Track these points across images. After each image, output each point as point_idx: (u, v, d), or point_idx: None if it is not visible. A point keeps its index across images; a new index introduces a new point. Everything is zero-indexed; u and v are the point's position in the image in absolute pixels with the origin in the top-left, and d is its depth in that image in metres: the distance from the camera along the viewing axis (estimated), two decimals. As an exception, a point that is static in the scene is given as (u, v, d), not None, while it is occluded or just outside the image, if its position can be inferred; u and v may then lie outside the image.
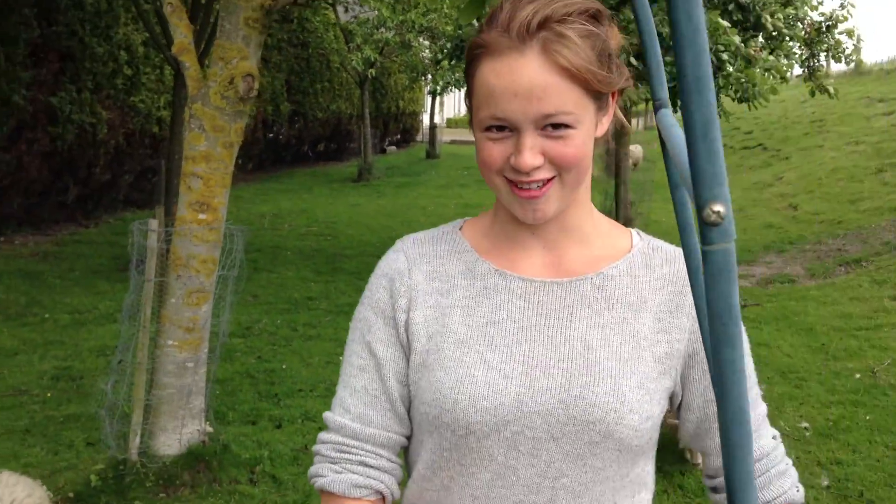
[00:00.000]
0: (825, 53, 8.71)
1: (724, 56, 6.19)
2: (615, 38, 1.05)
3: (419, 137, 30.05)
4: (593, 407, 1.01)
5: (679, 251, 1.11)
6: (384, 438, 1.11)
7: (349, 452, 1.10)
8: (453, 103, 52.52)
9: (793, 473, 1.12)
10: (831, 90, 8.51)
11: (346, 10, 16.65)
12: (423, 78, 19.80)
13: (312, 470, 1.13)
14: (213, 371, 4.13)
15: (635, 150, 18.20)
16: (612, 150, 9.05)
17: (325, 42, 19.49)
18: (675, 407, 1.12)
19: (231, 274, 4.00)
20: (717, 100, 7.36)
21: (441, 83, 18.29)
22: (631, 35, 6.45)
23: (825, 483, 3.85)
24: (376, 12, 14.72)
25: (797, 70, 9.76)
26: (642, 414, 1.01)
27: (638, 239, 1.13)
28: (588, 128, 1.01)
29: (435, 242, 1.15)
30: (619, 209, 8.71)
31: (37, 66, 10.03)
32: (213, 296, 3.95)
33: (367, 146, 18.10)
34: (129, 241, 3.95)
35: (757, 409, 1.11)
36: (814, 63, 8.78)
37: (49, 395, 5.13)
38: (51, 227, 11.25)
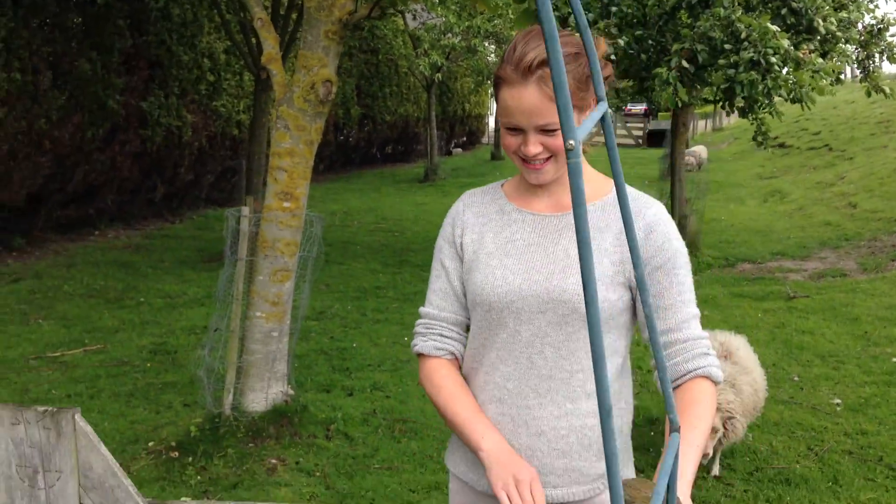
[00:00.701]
0: (880, 55, 8.86)
1: (773, 59, 6.48)
2: (607, 69, 1.61)
3: (484, 139, 30.53)
4: (564, 292, 1.57)
5: (639, 197, 1.65)
6: (453, 319, 1.72)
7: (431, 328, 1.72)
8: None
9: (714, 361, 1.59)
10: (887, 90, 8.67)
11: (414, 18, 17.25)
12: (488, 81, 20.26)
13: (412, 344, 1.74)
14: (293, 344, 4.69)
15: (700, 151, 18.33)
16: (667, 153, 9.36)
17: (394, 48, 20.15)
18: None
19: (310, 255, 4.54)
20: (770, 100, 7.64)
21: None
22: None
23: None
24: (443, 19, 15.26)
25: (857, 72, 9.91)
26: (598, 297, 1.49)
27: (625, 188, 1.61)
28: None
29: (483, 194, 1.77)
30: (674, 205, 9.03)
31: (129, 73, 10.86)
32: (294, 274, 4.50)
33: (433, 148, 18.66)
34: (223, 227, 4.54)
35: (687, 308, 1.57)
36: (870, 64, 8.95)
37: (148, 365, 5.78)
38: (140, 223, 12.12)
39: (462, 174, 19.92)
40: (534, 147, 1.54)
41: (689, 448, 1.47)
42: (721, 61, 7.19)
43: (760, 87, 6.50)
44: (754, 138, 8.98)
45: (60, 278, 8.42)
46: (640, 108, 33.22)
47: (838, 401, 4.84)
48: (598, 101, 1.17)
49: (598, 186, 1.68)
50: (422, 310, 1.75)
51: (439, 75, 17.24)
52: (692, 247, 9.11)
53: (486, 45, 17.46)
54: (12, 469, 1.54)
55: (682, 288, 1.61)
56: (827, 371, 5.39)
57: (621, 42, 7.87)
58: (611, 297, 1.57)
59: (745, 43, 6.56)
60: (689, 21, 7.17)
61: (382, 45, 19.54)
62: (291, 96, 4.37)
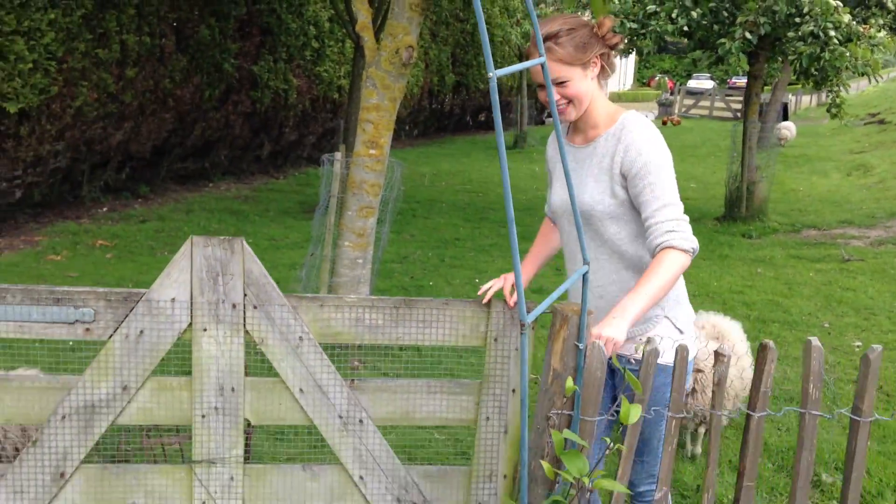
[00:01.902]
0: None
1: (832, 33, 6.85)
2: (614, 38, 2.27)
3: (579, 110, 30.70)
4: (581, 202, 2.26)
5: (627, 124, 2.26)
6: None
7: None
8: (618, 77, 52.34)
9: (677, 235, 2.15)
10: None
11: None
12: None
13: None
14: (375, 271, 5.50)
15: (788, 129, 18.27)
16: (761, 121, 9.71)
17: (491, 17, 20.73)
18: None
19: (391, 195, 5.35)
20: (838, 73, 7.96)
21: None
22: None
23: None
24: (536, -11, 15.76)
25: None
26: (599, 202, 2.25)
27: (622, 118, 2.30)
28: (579, 78, 2.24)
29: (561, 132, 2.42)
30: (743, 173, 9.43)
31: (242, 39, 11.91)
32: (377, 211, 5.32)
33: (523, 116, 19.22)
34: (319, 170, 5.39)
35: (660, 201, 2.18)
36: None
37: (254, 291, 6.73)
38: (248, 177, 13.26)
39: (551, 142, 20.40)
40: (542, 96, 2.18)
41: (633, 292, 2.09)
42: (790, 34, 7.58)
43: (820, 61, 6.87)
44: (828, 110, 9.26)
45: (180, 221, 9.55)
46: (744, 80, 32.76)
47: (858, 343, 5.34)
48: (541, 55, 1.88)
49: (610, 121, 2.29)
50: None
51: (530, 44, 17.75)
52: (759, 212, 9.51)
53: (580, 14, 17.82)
54: (203, 273, 2.41)
55: (654, 187, 2.19)
56: (857, 321, 5.87)
57: (695, 14, 8.32)
58: (607, 200, 2.27)
59: (807, 17, 6.94)
60: (757, -5, 7.58)
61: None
62: (379, 59, 5.16)
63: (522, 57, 18.84)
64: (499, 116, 1.61)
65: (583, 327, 1.94)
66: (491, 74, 1.55)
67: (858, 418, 1.86)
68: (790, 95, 28.43)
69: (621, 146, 2.22)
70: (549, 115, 21.78)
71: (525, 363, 1.58)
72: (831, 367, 4.93)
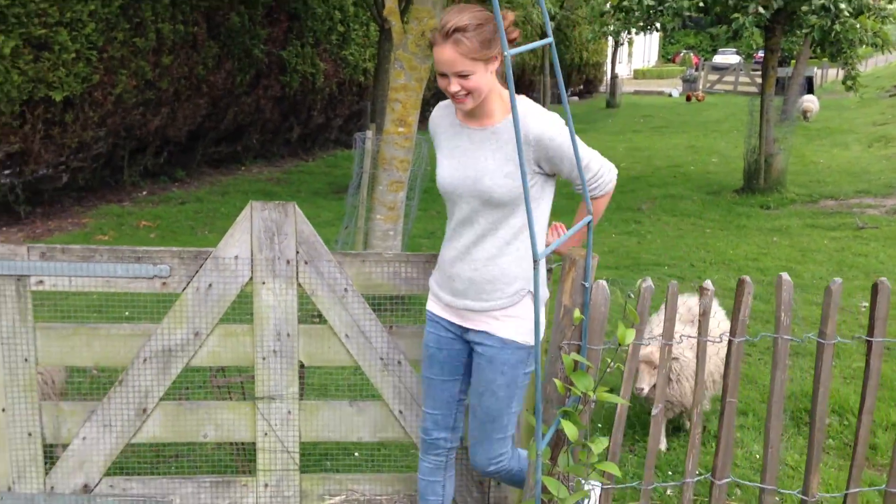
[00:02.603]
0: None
1: (842, 5, 7.07)
2: (514, 33, 2.29)
3: (602, 88, 30.85)
4: (481, 184, 2.35)
5: (528, 113, 2.31)
6: None
7: None
8: (642, 53, 52.09)
9: (610, 184, 2.50)
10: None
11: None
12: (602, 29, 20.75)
13: None
14: (405, 242, 5.86)
15: (811, 103, 18.32)
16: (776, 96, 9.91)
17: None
18: (552, 174, 2.44)
19: (419, 171, 5.70)
20: (852, 45, 8.17)
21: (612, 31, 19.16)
22: None
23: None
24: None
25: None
26: (501, 185, 2.36)
27: (522, 107, 2.38)
28: (481, 72, 2.31)
29: (447, 107, 2.49)
30: (761, 145, 9.66)
31: (271, 25, 12.27)
32: (406, 185, 5.67)
33: (546, 96, 19.45)
34: (353, 150, 5.75)
35: (588, 157, 2.46)
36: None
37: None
38: (279, 160, 13.68)
39: (574, 120, 20.55)
40: (453, 87, 2.25)
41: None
42: (804, 7, 7.80)
43: (832, 33, 7.10)
44: (843, 82, 9.45)
45: (217, 202, 9.98)
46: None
47: (865, 304, 5.63)
48: (504, 53, 2.15)
49: (507, 108, 2.36)
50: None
51: (552, 23, 17.93)
52: (777, 184, 9.75)
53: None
54: (261, 233, 2.79)
55: (574, 158, 2.31)
56: (866, 283, 6.14)
57: (711, -10, 8.55)
58: (510, 185, 2.34)
59: (818, -9, 7.17)
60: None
61: (500, -5, 20.36)
62: (406, 42, 5.49)
63: (543, 36, 19.04)
64: (514, 92, 1.94)
65: (588, 269, 2.29)
66: (506, 53, 1.87)
67: (823, 341, 2.20)
68: (816, 69, 28.31)
69: (531, 138, 2.31)
70: (574, 94, 21.88)
71: (538, 293, 1.93)
72: (843, 326, 5.23)
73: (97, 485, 2.96)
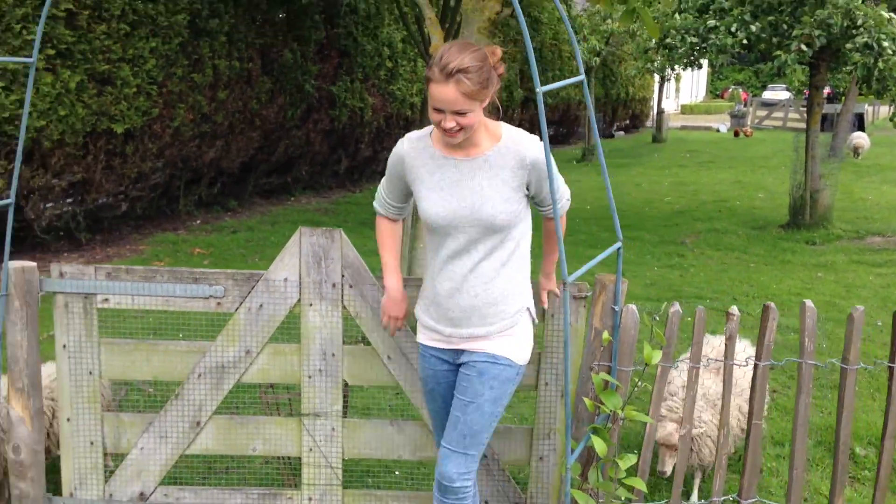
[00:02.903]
0: None
1: (885, 43, 7.10)
2: (500, 69, 2.38)
3: (649, 123, 30.85)
4: (483, 212, 2.41)
5: (520, 140, 2.44)
6: (394, 198, 2.66)
7: (383, 200, 2.69)
8: (690, 89, 51.97)
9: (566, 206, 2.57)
10: None
11: (570, 8, 18.16)
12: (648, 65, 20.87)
13: (374, 205, 2.73)
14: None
15: (862, 139, 18.14)
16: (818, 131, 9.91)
17: (559, 33, 21.17)
18: (532, 199, 2.53)
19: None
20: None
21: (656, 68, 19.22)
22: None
23: None
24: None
25: None
26: (502, 211, 2.45)
27: (506, 134, 2.52)
28: (477, 111, 2.42)
29: (419, 140, 2.52)
30: (807, 181, 9.64)
31: (322, 61, 12.65)
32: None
33: (591, 130, 19.56)
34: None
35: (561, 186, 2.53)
36: None
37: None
38: (327, 191, 13.99)
39: (619, 155, 20.70)
40: (449, 123, 2.32)
41: (552, 254, 2.65)
42: (848, 45, 7.85)
43: (875, 71, 7.13)
44: (891, 119, 9.41)
45: (267, 231, 10.27)
46: (825, 91, 32.32)
47: (880, 322, 5.60)
48: (536, 90, 2.33)
49: (492, 136, 2.44)
50: (378, 191, 2.71)
51: (596, 59, 18.11)
52: (823, 219, 9.70)
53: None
54: (309, 258, 2.97)
55: (549, 181, 2.40)
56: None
57: (753, 28, 8.63)
58: (510, 208, 2.44)
59: (861, 28, 7.21)
60: (814, 9, 7.86)
61: (546, 30, 20.62)
62: (452, 79, 5.69)
63: (588, 72, 19.24)
64: (545, 126, 2.09)
65: (618, 293, 2.40)
66: (538, 90, 2.03)
67: (846, 367, 2.28)
68: (867, 106, 27.96)
69: (528, 162, 2.43)
70: (620, 129, 21.98)
71: (567, 313, 2.05)
72: (870, 351, 5.21)
73: (152, 493, 3.13)
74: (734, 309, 2.33)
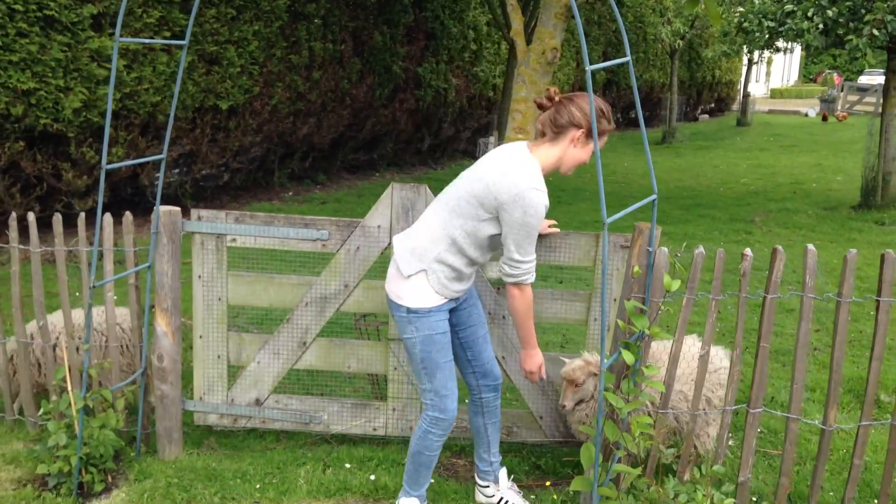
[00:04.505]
0: None
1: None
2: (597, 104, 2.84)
3: (735, 106, 30.49)
4: None
5: (502, 180, 2.77)
6: None
7: (534, 265, 2.89)
8: (782, 73, 50.68)
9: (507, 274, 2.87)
10: None
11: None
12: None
13: (525, 277, 2.85)
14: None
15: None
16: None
17: (644, 16, 21.29)
18: None
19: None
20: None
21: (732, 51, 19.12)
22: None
23: None
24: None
25: None
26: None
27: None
28: None
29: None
30: (880, 163, 9.77)
31: (409, 43, 13.28)
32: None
33: (672, 113, 19.68)
34: (477, 150, 6.50)
35: (507, 249, 2.91)
36: None
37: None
38: (410, 168, 14.67)
39: (701, 137, 20.74)
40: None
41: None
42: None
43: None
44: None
45: (353, 203, 10.99)
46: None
47: None
48: (586, 69, 2.87)
49: None
50: (530, 257, 2.82)
51: (679, 42, 18.20)
52: (894, 201, 9.81)
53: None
54: (399, 208, 3.57)
55: (507, 239, 2.78)
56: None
57: (830, 13, 8.82)
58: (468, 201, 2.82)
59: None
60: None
61: (631, 12, 20.77)
62: (528, 59, 6.21)
63: (672, 54, 19.33)
64: (593, 109, 2.59)
65: (653, 237, 2.91)
66: (588, 68, 2.54)
67: (840, 299, 2.74)
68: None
69: (496, 203, 2.83)
70: (704, 112, 22.00)
71: (605, 248, 2.58)
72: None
73: (266, 399, 3.81)
74: (748, 251, 2.81)
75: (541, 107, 2.89)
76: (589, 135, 2.81)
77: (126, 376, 3.82)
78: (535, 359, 3.09)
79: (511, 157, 2.83)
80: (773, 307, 2.82)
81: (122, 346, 3.83)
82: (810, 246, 2.76)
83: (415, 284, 2.89)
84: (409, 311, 2.89)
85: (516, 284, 2.85)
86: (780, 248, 2.78)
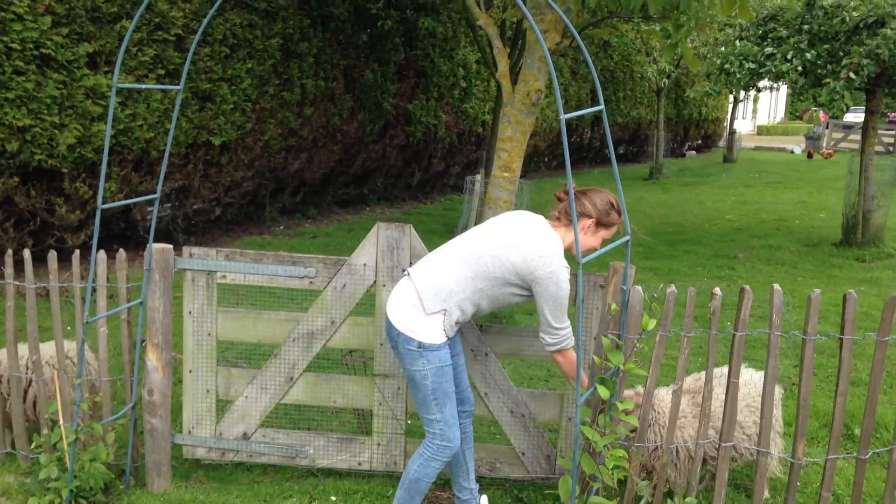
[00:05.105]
0: None
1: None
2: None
3: (721, 143, 30.88)
4: None
5: (541, 258, 3.04)
6: None
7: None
8: (768, 110, 51.36)
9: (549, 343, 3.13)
10: None
11: (621, 35, 18.57)
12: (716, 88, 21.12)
13: (566, 342, 3.06)
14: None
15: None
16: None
17: (630, 55, 21.66)
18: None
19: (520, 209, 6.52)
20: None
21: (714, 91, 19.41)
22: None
23: None
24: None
25: None
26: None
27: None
28: None
29: None
30: (860, 201, 9.98)
31: (400, 80, 13.51)
32: (509, 223, 6.50)
33: (660, 149, 19.97)
34: (464, 187, 6.65)
35: (549, 320, 3.11)
36: None
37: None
38: (400, 202, 14.82)
39: (687, 174, 21.01)
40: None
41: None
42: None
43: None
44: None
45: (344, 237, 11.11)
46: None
47: None
48: (599, 104, 3.05)
49: None
50: (565, 324, 3.04)
51: (665, 80, 18.53)
52: (876, 238, 10.01)
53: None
54: (384, 247, 3.69)
55: (543, 311, 3.03)
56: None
57: (809, 56, 9.07)
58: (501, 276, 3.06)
59: (908, 57, 7.61)
60: (866, 39, 8.28)
61: (618, 52, 21.14)
62: (514, 100, 6.38)
63: (659, 92, 19.67)
64: (567, 152, 2.74)
65: (627, 276, 3.04)
66: (562, 117, 2.68)
67: (806, 337, 2.86)
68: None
69: (526, 275, 3.10)
70: (691, 149, 22.23)
71: (580, 286, 2.70)
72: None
73: (253, 433, 3.89)
74: (717, 290, 2.94)
75: (559, 199, 3.24)
76: (598, 224, 3.18)
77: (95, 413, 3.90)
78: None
79: (542, 235, 3.09)
80: (742, 344, 2.94)
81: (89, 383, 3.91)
82: (776, 286, 2.89)
83: (432, 322, 3.06)
84: (420, 345, 3.04)
85: (559, 351, 3.08)
86: (747, 287, 2.91)
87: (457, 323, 3.11)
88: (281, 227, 11.76)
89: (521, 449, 3.81)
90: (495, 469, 3.86)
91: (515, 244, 3.04)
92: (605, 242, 3.17)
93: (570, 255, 3.01)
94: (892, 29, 7.87)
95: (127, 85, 3.27)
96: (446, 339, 3.09)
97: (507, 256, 3.03)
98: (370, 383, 3.82)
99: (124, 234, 9.54)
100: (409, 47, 13.60)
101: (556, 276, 2.97)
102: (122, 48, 3.13)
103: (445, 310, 3.05)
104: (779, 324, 2.89)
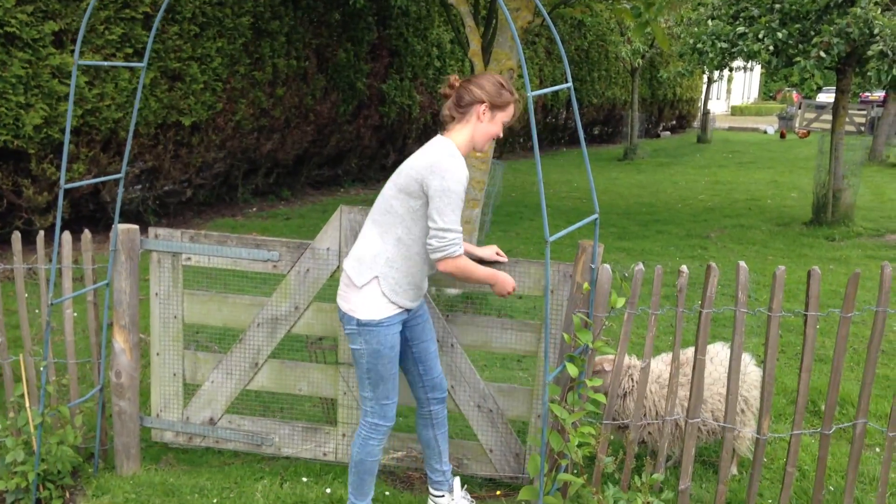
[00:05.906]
0: None
1: None
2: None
3: (696, 123, 31.04)
4: None
5: (427, 154, 2.94)
6: None
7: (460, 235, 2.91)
8: (742, 90, 51.69)
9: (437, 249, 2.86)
10: None
11: (595, 15, 18.59)
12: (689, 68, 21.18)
13: (454, 250, 2.84)
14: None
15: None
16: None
17: (606, 34, 21.64)
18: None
19: (493, 190, 6.50)
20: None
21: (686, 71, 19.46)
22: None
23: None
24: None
25: None
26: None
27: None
28: None
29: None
30: (830, 180, 10.08)
31: (373, 60, 13.40)
32: (481, 203, 6.49)
33: (634, 129, 20.02)
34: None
35: (436, 221, 2.94)
36: None
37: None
38: (374, 184, 14.75)
39: (661, 154, 21.10)
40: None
41: None
42: (870, 52, 8.29)
43: (888, 76, 7.57)
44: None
45: (318, 219, 11.04)
46: (879, 95, 32.18)
47: None
48: (566, 81, 3.00)
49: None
50: (454, 227, 2.82)
51: (639, 61, 18.55)
52: (845, 218, 10.12)
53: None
54: (347, 231, 3.65)
55: (433, 207, 2.81)
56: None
57: (780, 35, 9.10)
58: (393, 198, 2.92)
59: (878, 37, 7.65)
60: (836, 18, 8.32)
61: (592, 31, 21.11)
62: (485, 80, 6.34)
63: (633, 72, 19.69)
64: (535, 132, 2.71)
65: (595, 255, 3.04)
66: (529, 94, 2.66)
67: (770, 314, 2.88)
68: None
69: (424, 172, 2.92)
70: (666, 129, 22.41)
71: (548, 269, 2.70)
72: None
73: (220, 419, 3.86)
74: (684, 268, 2.95)
75: (445, 96, 3.05)
76: (493, 107, 2.97)
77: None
78: (504, 283, 3.10)
79: (427, 147, 2.97)
80: (709, 321, 2.95)
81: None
82: (742, 263, 2.90)
83: (368, 294, 2.95)
84: (358, 323, 2.96)
85: (445, 258, 2.87)
86: (713, 265, 2.92)
87: (402, 288, 2.97)
88: (254, 209, 11.67)
89: (488, 446, 3.70)
90: (463, 465, 3.76)
91: (407, 167, 2.94)
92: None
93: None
94: (861, 8, 7.92)
95: (90, 62, 3.20)
96: (394, 312, 2.98)
97: (395, 184, 2.94)
98: (335, 372, 3.79)
99: (93, 216, 9.41)
100: (382, 26, 13.49)
101: (438, 166, 2.80)
102: (84, 23, 3.06)
103: (377, 276, 2.94)
104: (744, 300, 2.90)
